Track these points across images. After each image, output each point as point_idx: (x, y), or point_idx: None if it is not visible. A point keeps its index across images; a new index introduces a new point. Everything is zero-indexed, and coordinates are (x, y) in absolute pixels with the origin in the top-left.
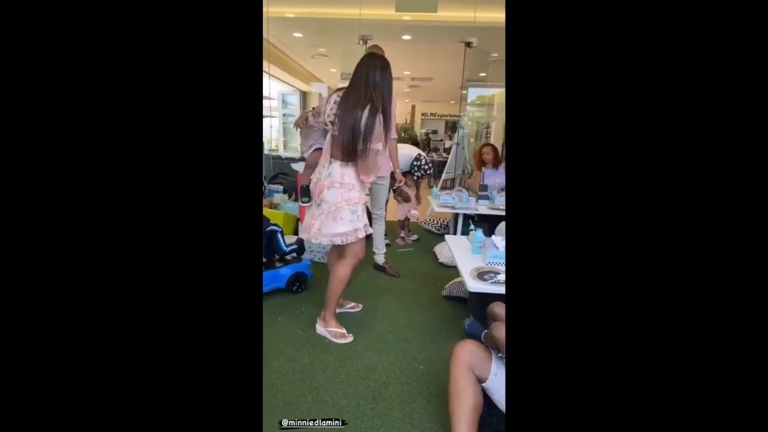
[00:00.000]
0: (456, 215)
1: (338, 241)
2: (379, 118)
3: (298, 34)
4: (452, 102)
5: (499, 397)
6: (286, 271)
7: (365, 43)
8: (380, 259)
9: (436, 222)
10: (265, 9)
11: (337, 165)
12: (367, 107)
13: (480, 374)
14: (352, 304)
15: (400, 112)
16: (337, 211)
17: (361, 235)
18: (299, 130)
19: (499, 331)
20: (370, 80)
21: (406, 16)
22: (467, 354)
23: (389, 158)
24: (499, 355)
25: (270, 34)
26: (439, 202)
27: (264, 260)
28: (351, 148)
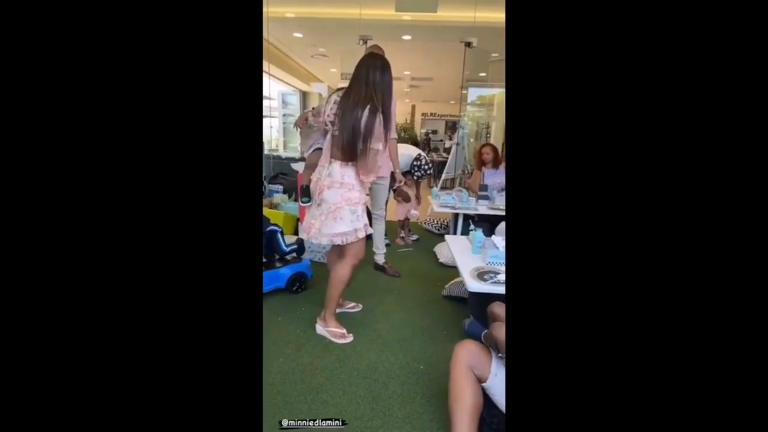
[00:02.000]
0: (456, 215)
1: (338, 240)
2: (379, 118)
3: (298, 35)
4: (452, 102)
5: (500, 397)
6: (285, 271)
7: (365, 43)
8: (380, 259)
9: (436, 222)
10: (265, 9)
11: (337, 165)
12: (368, 107)
13: (480, 374)
14: (352, 304)
15: (400, 111)
16: (337, 211)
17: (361, 235)
18: (299, 130)
19: (499, 331)
20: (370, 80)
21: (406, 16)
22: (467, 354)
23: (389, 158)
24: (500, 355)
25: (270, 34)
26: (439, 202)
27: (264, 260)
28: (351, 148)
